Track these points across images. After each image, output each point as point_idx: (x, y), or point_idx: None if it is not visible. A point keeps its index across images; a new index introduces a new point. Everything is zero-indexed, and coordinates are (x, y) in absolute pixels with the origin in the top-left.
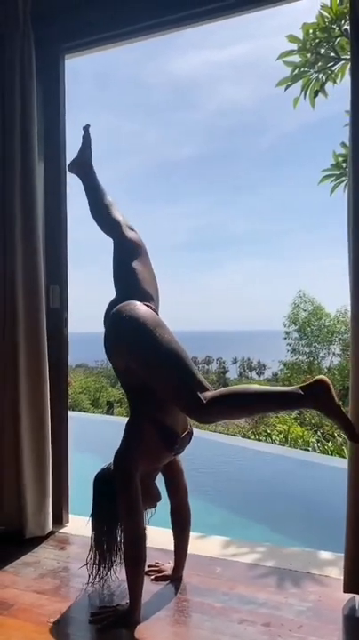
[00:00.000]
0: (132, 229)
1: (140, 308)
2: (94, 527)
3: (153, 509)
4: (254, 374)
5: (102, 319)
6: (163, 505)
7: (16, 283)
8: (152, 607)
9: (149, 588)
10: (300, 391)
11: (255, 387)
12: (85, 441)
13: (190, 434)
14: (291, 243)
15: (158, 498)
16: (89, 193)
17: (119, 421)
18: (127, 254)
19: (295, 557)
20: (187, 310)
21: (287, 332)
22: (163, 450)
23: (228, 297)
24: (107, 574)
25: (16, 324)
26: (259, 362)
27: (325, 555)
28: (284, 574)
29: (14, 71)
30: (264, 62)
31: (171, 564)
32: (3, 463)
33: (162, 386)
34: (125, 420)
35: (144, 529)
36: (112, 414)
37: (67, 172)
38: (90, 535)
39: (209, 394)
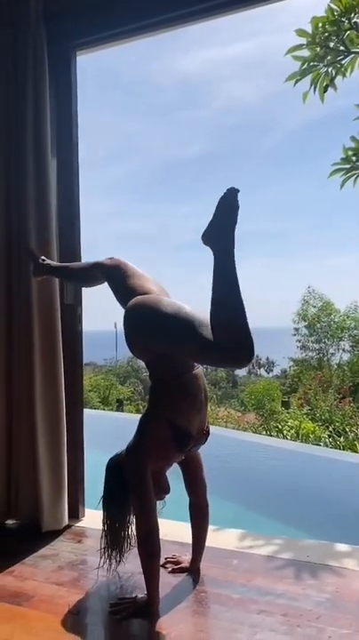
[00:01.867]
0: (110, 258)
1: (140, 296)
2: (105, 513)
3: (162, 501)
4: (263, 371)
5: (111, 321)
6: (180, 499)
7: (31, 279)
8: (170, 598)
9: (167, 580)
10: None
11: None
12: (95, 438)
13: (206, 433)
14: (298, 240)
15: (167, 490)
16: (68, 282)
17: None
18: (119, 279)
19: (311, 549)
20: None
21: (296, 329)
22: (174, 450)
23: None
24: (119, 560)
25: (31, 320)
26: (267, 359)
27: (342, 547)
28: (301, 566)
29: (27, 68)
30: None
31: (189, 557)
32: (19, 458)
33: (189, 353)
34: (136, 416)
35: (156, 522)
36: (122, 412)
37: (79, 168)
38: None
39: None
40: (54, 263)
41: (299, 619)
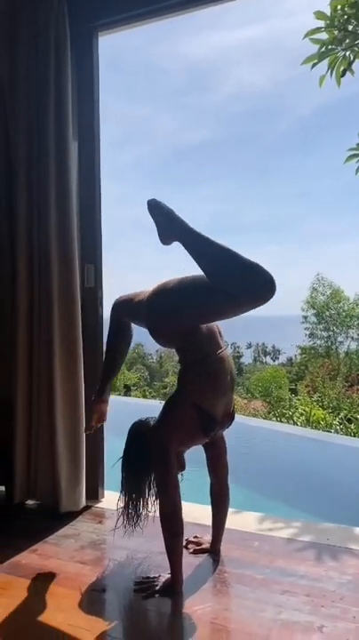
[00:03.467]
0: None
1: (148, 289)
2: (124, 474)
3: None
4: (269, 359)
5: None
6: (198, 482)
7: (51, 262)
8: (194, 578)
9: (190, 560)
10: None
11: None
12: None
13: (231, 417)
14: (308, 227)
15: (183, 468)
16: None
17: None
18: (129, 309)
19: (331, 533)
20: None
21: (305, 317)
22: (200, 433)
23: None
24: (136, 522)
25: (51, 304)
26: (273, 347)
27: None
28: (322, 549)
29: (49, 48)
30: (280, 43)
31: (209, 538)
32: (38, 439)
33: (216, 309)
34: (143, 401)
35: (179, 502)
36: (130, 397)
37: (105, 150)
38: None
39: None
40: (105, 384)
41: (322, 599)
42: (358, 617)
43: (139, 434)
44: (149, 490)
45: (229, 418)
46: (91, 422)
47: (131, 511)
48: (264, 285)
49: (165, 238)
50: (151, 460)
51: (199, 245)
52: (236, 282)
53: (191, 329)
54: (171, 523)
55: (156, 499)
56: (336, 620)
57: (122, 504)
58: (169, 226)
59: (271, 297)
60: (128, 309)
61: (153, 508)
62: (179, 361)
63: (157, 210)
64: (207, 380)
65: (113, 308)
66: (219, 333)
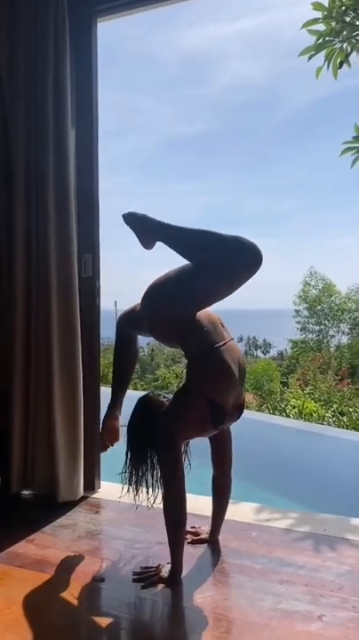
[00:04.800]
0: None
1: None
2: (128, 445)
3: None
4: (260, 352)
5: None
6: (198, 471)
7: (49, 252)
8: (193, 568)
9: (188, 550)
10: None
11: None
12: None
13: (240, 408)
14: (302, 221)
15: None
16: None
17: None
18: (134, 319)
19: (328, 523)
20: None
21: (297, 311)
22: (209, 426)
23: None
24: (137, 491)
25: (49, 293)
26: (264, 340)
27: (358, 521)
28: (320, 539)
29: (48, 34)
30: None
31: (208, 529)
32: (35, 429)
33: (215, 287)
34: (136, 393)
35: (184, 492)
36: None
37: (99, 140)
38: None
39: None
40: (116, 401)
41: (321, 589)
42: (358, 606)
43: (148, 404)
44: (153, 469)
45: (238, 409)
46: (105, 441)
47: (135, 481)
48: (249, 253)
49: (145, 242)
50: (155, 440)
51: (178, 235)
52: (222, 255)
53: (191, 318)
54: (175, 511)
55: (162, 487)
56: (335, 610)
57: (126, 471)
58: (145, 228)
59: (258, 263)
60: (131, 319)
61: (154, 497)
62: (184, 355)
63: (132, 218)
64: (218, 374)
65: (117, 324)
66: (222, 325)
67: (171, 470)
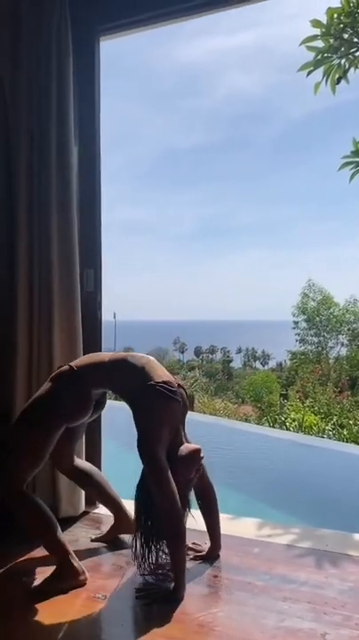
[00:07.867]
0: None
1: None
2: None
3: None
4: (258, 364)
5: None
6: None
7: (52, 266)
8: (195, 585)
9: (190, 566)
10: None
11: None
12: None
13: (181, 386)
14: (298, 232)
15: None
16: None
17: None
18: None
19: (330, 539)
20: (192, 300)
21: (296, 322)
22: (174, 421)
23: (236, 287)
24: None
25: (51, 308)
26: (263, 351)
27: None
28: (321, 555)
29: (51, 53)
30: (271, 50)
31: (208, 544)
32: None
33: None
34: None
35: (178, 501)
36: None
37: (102, 155)
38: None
39: None
40: None
41: (324, 606)
42: None
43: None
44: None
45: (181, 387)
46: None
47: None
48: None
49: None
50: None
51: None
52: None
53: None
54: (172, 521)
55: (156, 497)
56: (339, 628)
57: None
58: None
59: None
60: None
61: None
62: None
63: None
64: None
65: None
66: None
67: (159, 480)
